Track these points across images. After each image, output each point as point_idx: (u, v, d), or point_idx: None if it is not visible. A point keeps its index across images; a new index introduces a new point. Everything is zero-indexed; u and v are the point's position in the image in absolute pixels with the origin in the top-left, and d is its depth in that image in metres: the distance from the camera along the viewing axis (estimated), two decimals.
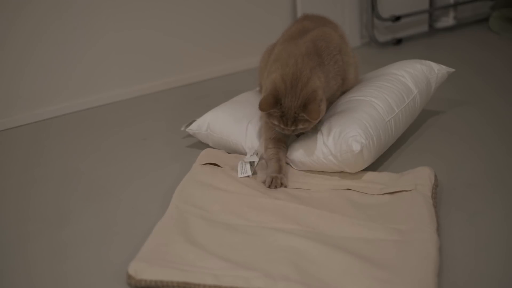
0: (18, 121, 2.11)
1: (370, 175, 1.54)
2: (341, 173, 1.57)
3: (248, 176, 1.55)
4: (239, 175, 1.55)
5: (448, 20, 2.84)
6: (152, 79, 2.35)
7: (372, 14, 2.64)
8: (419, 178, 1.47)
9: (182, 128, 1.82)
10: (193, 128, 1.78)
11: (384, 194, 1.46)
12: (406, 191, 1.44)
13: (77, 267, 1.30)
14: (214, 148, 1.75)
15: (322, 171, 1.59)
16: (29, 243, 1.40)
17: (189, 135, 1.88)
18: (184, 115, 2.04)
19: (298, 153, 1.58)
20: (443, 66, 1.84)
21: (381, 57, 2.58)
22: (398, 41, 2.72)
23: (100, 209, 1.53)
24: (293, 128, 1.49)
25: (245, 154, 1.66)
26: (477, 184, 1.53)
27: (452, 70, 1.85)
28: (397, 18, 2.67)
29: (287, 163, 1.61)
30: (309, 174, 1.58)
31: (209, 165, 1.59)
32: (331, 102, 1.69)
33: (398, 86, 1.71)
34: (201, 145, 1.81)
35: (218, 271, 1.19)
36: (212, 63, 2.47)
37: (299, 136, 1.61)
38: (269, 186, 1.49)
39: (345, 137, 1.52)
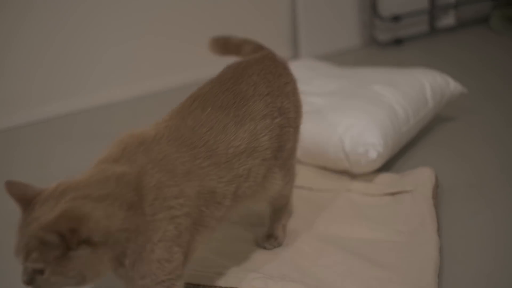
0: (19, 121, 2.11)
1: (370, 176, 1.54)
2: (342, 173, 1.56)
3: None
4: None
5: (448, 20, 2.83)
6: (152, 79, 2.35)
7: (372, 13, 2.64)
8: (419, 179, 1.47)
9: None
10: None
11: (384, 195, 1.45)
12: (407, 191, 1.43)
13: None
14: None
15: (324, 169, 1.58)
16: None
17: None
18: None
19: (309, 139, 1.54)
20: (459, 85, 1.82)
21: (381, 57, 2.58)
22: (399, 41, 2.71)
23: None
24: (22, 259, 0.92)
25: None
26: (478, 185, 1.53)
27: (465, 91, 1.84)
28: (398, 18, 2.66)
29: None
30: (311, 174, 1.57)
31: None
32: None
33: (418, 96, 1.70)
34: None
35: (217, 272, 1.18)
36: (212, 63, 2.46)
37: None
38: None
39: (365, 141, 1.50)
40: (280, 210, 1.28)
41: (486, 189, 1.51)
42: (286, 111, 1.18)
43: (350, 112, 1.58)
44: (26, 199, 0.95)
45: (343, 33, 2.64)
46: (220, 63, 2.58)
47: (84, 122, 2.12)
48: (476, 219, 1.38)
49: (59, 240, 0.88)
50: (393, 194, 1.45)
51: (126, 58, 2.28)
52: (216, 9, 2.41)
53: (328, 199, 1.45)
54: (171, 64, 2.38)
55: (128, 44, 2.26)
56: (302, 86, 1.77)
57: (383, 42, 2.69)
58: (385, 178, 1.53)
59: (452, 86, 1.81)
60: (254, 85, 1.17)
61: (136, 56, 2.30)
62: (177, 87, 2.38)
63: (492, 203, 1.45)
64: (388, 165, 1.63)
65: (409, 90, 1.70)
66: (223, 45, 1.39)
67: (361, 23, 2.69)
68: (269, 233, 1.27)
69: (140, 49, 2.30)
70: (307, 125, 1.59)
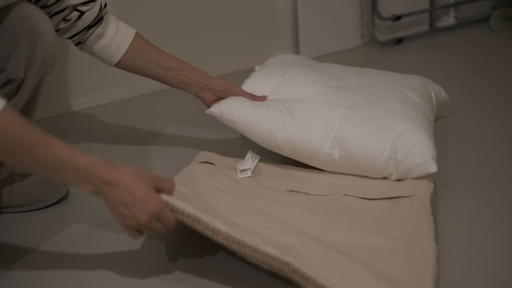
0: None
1: (368, 180, 1.50)
2: (339, 177, 1.52)
3: (250, 176, 1.53)
4: (239, 176, 1.53)
5: (448, 20, 2.84)
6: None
7: (372, 13, 2.64)
8: (418, 185, 1.43)
9: (206, 111, 1.65)
10: (214, 110, 1.59)
11: (382, 199, 1.42)
12: (405, 197, 1.40)
13: (77, 267, 1.30)
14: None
15: (321, 172, 1.54)
16: (30, 242, 1.40)
17: (191, 135, 1.87)
18: (184, 114, 2.04)
19: (356, 143, 1.46)
20: (446, 95, 1.81)
21: (382, 57, 2.58)
22: (399, 41, 2.72)
23: (100, 209, 1.53)
24: None
25: (244, 157, 1.62)
26: (477, 184, 1.53)
27: (449, 100, 1.84)
28: (398, 18, 2.67)
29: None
30: (307, 177, 1.53)
31: (207, 164, 1.56)
32: None
33: (431, 104, 1.66)
34: (202, 145, 1.80)
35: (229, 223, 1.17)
36: (213, 62, 2.47)
37: None
38: None
39: (422, 151, 1.42)
40: None
41: (485, 188, 1.51)
42: None
43: (397, 117, 1.50)
44: None
45: (343, 33, 2.65)
46: (220, 63, 2.60)
47: (83, 122, 2.12)
48: (476, 217, 1.38)
49: None
50: (391, 199, 1.41)
51: None
52: (217, 10, 2.41)
53: (325, 205, 1.41)
54: None
55: None
56: (331, 82, 1.64)
57: (383, 42, 2.69)
58: (382, 183, 1.49)
59: (443, 95, 1.78)
60: None
61: None
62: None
63: (491, 201, 1.45)
64: None
65: (426, 96, 1.66)
66: None
67: (361, 23, 2.69)
68: None
69: None
70: (354, 128, 1.47)
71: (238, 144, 1.81)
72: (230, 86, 1.59)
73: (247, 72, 2.09)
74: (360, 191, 1.45)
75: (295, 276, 1.08)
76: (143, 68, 1.57)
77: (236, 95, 1.58)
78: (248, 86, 1.65)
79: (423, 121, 1.51)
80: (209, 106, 1.60)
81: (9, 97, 1.33)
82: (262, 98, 1.60)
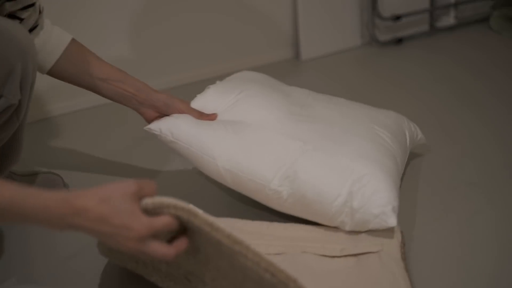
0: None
1: (325, 231, 1.27)
2: (291, 228, 1.30)
3: None
4: None
5: (448, 20, 2.83)
6: (152, 78, 2.33)
7: (372, 13, 2.64)
8: (383, 237, 1.23)
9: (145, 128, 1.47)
10: (153, 127, 1.41)
11: (346, 256, 1.20)
12: (373, 252, 1.19)
13: (78, 266, 1.30)
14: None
15: (271, 223, 1.31)
16: (29, 243, 1.40)
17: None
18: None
19: (309, 184, 1.26)
20: (423, 137, 1.61)
21: (382, 57, 2.58)
22: (399, 41, 2.71)
23: None
24: None
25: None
26: (477, 184, 1.53)
27: (426, 142, 1.63)
28: (398, 18, 2.66)
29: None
30: (255, 231, 1.29)
31: None
32: None
33: (403, 146, 1.47)
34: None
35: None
36: (212, 62, 2.47)
37: None
38: None
39: (382, 201, 1.23)
40: None
41: (485, 188, 1.51)
42: None
43: (360, 158, 1.30)
44: None
45: (343, 33, 2.65)
46: (219, 62, 2.59)
47: (83, 121, 2.12)
48: (475, 217, 1.38)
49: None
50: (356, 255, 1.20)
51: (125, 58, 2.28)
52: (216, 10, 2.41)
53: (282, 266, 1.05)
54: (170, 64, 2.38)
55: (127, 44, 2.26)
56: (293, 109, 1.44)
57: (383, 42, 2.69)
58: (343, 234, 1.26)
59: (419, 136, 1.58)
60: None
61: (136, 56, 2.30)
62: (176, 86, 2.38)
63: (492, 201, 1.45)
64: None
65: (399, 136, 1.46)
66: None
67: (361, 23, 2.69)
68: None
69: (140, 49, 2.30)
70: (309, 165, 1.27)
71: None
72: (173, 101, 1.42)
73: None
74: (319, 247, 1.22)
75: None
76: (75, 77, 1.42)
77: (180, 112, 1.40)
78: (199, 102, 1.46)
79: (389, 166, 1.31)
80: (150, 123, 1.43)
81: (8, 120, 1.30)
82: (211, 117, 1.41)
